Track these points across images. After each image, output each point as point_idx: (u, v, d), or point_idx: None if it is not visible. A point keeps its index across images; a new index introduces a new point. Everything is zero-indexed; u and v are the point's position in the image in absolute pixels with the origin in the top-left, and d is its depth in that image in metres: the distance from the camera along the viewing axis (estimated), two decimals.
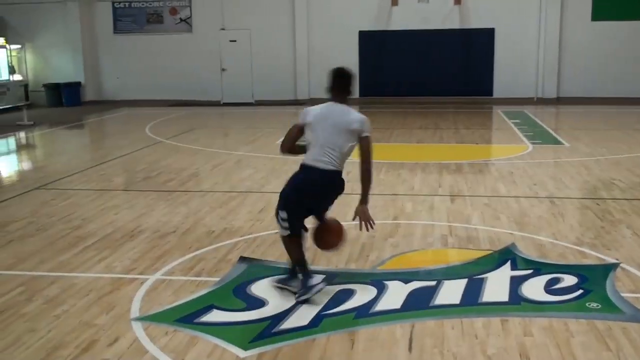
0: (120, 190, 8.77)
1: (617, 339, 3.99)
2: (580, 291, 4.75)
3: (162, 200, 7.90)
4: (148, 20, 21.62)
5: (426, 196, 7.88)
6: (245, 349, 3.94)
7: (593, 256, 5.57)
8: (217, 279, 5.12)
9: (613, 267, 5.24)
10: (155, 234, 6.41)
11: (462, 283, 4.93)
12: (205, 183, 8.95)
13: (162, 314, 4.47)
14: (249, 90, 21.24)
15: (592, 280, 4.93)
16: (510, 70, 20.00)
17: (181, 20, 21.46)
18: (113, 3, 21.62)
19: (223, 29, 21.16)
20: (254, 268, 5.37)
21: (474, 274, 5.13)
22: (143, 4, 21.55)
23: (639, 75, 19.51)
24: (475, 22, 20.05)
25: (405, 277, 5.08)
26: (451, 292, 4.77)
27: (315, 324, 4.27)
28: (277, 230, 6.43)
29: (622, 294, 4.66)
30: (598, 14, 19.56)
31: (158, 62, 21.49)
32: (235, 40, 21.18)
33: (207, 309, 4.52)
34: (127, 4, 21.60)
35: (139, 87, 21.59)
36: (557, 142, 12.10)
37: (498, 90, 20.16)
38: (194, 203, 7.70)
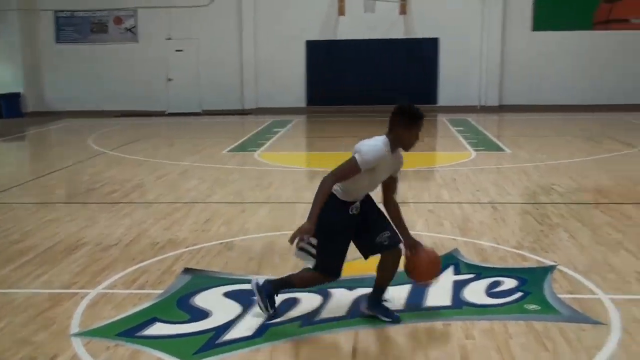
0: (62, 202, 8.58)
1: (554, 339, 4.09)
2: (520, 294, 4.85)
3: (105, 212, 7.77)
4: (92, 29, 21.29)
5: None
6: None
7: (532, 259, 5.71)
8: (161, 291, 5.05)
9: (551, 269, 5.38)
10: (97, 247, 6.29)
11: (405, 288, 4.98)
12: (149, 194, 8.84)
13: (103, 328, 4.38)
14: (196, 99, 21.10)
15: (531, 283, 5.05)
16: (454, 79, 20.39)
17: (126, 29, 21.19)
18: (55, 12, 21.21)
19: (169, 39, 20.99)
20: (199, 279, 5.32)
21: None
22: (87, 14, 21.21)
23: (577, 84, 20.13)
24: (420, 32, 20.39)
25: (350, 284, 5.11)
26: (395, 297, 4.80)
27: (260, 333, 4.25)
28: (221, 241, 6.43)
29: (559, 295, 4.79)
30: (539, 24, 20.14)
31: (102, 72, 21.17)
32: (181, 50, 21.03)
33: (150, 322, 4.45)
34: (70, 13, 21.23)
35: (82, 97, 21.22)
36: (499, 149, 12.37)
37: (442, 99, 20.52)
38: (137, 214, 7.60)
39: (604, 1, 19.88)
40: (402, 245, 4.44)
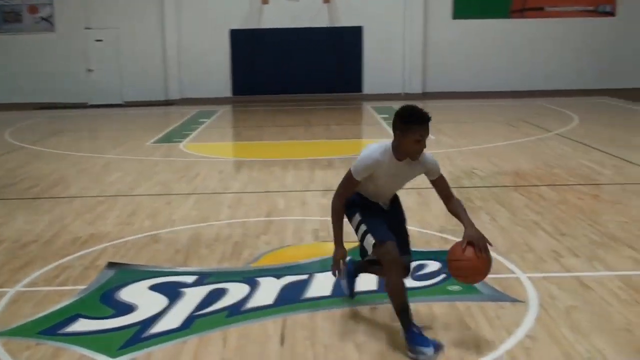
0: None
1: (475, 318, 4.23)
2: (443, 275, 4.99)
3: (24, 208, 7.52)
4: (5, 19, 20.43)
5: (298, 192, 7.98)
6: (114, 356, 3.83)
7: (455, 242, 5.85)
8: (84, 287, 4.94)
9: None
10: (15, 244, 6.08)
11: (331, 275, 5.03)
12: (71, 188, 8.59)
13: (23, 327, 4.25)
14: (118, 91, 20.58)
15: None
16: (378, 67, 20.63)
17: (42, 19, 20.43)
18: None
19: (88, 28, 20.37)
20: (123, 273, 5.22)
21: None
22: None
23: (498, 70, 20.73)
24: (344, 21, 20.52)
25: (278, 272, 5.13)
26: (323, 284, 4.86)
27: (187, 325, 4.22)
28: (147, 233, 6.33)
29: None
30: (459, 12, 20.61)
31: (18, 64, 20.34)
32: (101, 40, 20.45)
33: (73, 318, 4.35)
34: None
35: None
36: None
37: (367, 87, 20.75)
38: (59, 210, 7.38)
39: None
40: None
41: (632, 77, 20.81)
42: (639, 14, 20.65)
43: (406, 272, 4.14)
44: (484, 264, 3.88)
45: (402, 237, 4.16)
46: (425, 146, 3.88)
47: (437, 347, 3.79)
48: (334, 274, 4.12)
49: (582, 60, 20.80)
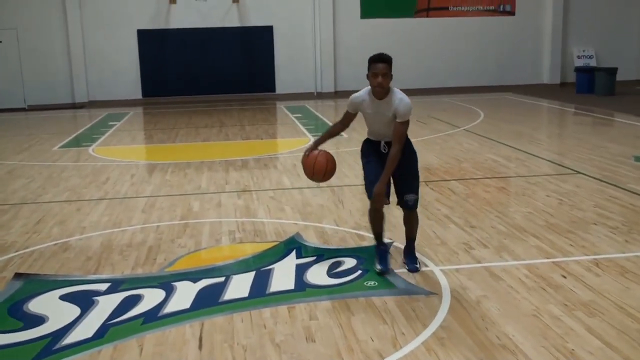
0: None
1: (392, 312, 4.32)
2: (359, 272, 5.07)
3: None
4: None
5: (213, 194, 7.90)
6: None
7: (370, 238, 5.94)
8: None
9: (387, 246, 5.65)
10: None
11: (250, 276, 5.03)
12: None
13: None
14: (20, 94, 19.72)
15: (369, 261, 5.28)
16: (291, 67, 20.69)
17: None
18: None
19: None
20: (31, 284, 5.02)
21: (261, 266, 5.26)
22: None
23: (405, 68, 21.13)
24: (254, 20, 20.45)
25: (194, 276, 5.07)
26: (239, 286, 4.85)
27: (101, 334, 4.11)
28: (55, 242, 6.12)
29: (396, 270, 5.06)
30: (366, 12, 20.92)
31: None
32: (0, 41, 19.52)
33: None
34: None
35: None
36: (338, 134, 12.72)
37: (280, 87, 20.77)
38: None
39: None
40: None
41: (531, 74, 21.79)
42: (537, 13, 21.61)
43: (406, 206, 5.15)
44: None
45: (413, 191, 5.09)
46: (384, 83, 4.82)
47: (385, 269, 5.00)
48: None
49: (484, 58, 21.55)
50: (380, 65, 4.83)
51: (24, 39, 19.56)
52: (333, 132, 5.47)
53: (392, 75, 4.89)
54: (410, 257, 5.19)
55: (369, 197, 5.04)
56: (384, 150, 5.04)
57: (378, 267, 5.03)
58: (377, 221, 5.12)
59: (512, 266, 5.14)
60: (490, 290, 4.67)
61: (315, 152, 5.31)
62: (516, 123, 13.36)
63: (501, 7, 21.48)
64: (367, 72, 4.90)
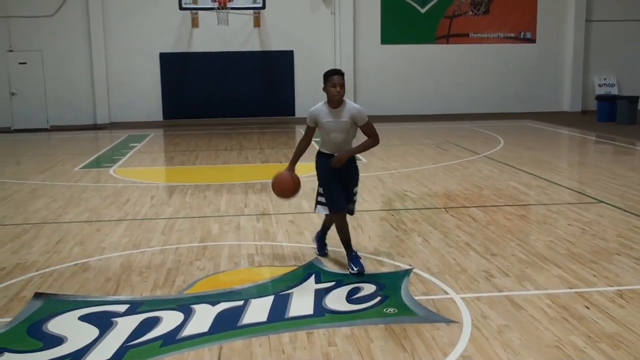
0: None
1: (411, 340, 4.27)
2: (379, 298, 5.02)
3: None
4: None
5: (232, 217, 7.91)
6: None
7: (389, 264, 5.93)
8: (9, 319, 4.73)
9: (407, 273, 5.62)
10: None
11: (268, 300, 5.01)
12: None
13: None
14: (43, 115, 19.99)
15: (389, 287, 5.25)
16: (311, 91, 20.75)
17: None
18: None
19: (11, 51, 19.77)
20: (51, 304, 5.04)
21: (280, 290, 5.24)
22: None
23: (424, 94, 21.24)
24: (275, 45, 20.64)
25: (213, 299, 5.06)
26: (258, 310, 4.82)
27: (119, 356, 4.10)
28: (75, 262, 6.14)
29: (415, 297, 5.01)
30: (386, 38, 21.05)
31: None
32: (25, 63, 19.86)
33: None
34: None
35: None
36: (356, 158, 12.72)
37: (300, 111, 20.84)
38: None
39: (444, 16, 21.15)
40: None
41: (552, 101, 21.73)
42: (557, 41, 21.61)
43: (349, 213, 5.79)
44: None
45: (348, 189, 5.70)
46: (342, 92, 5.47)
47: (360, 270, 5.55)
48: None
49: (504, 84, 21.56)
50: (336, 77, 5.53)
51: (49, 61, 19.88)
52: (303, 149, 5.85)
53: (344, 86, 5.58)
54: (354, 260, 5.65)
55: (335, 211, 5.65)
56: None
57: (355, 268, 5.56)
58: (345, 228, 5.73)
59: (534, 295, 5.07)
60: (511, 319, 4.60)
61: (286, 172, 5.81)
62: (537, 150, 13.28)
63: (522, 34, 21.51)
64: (323, 86, 5.61)
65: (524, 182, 9.84)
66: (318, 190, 5.76)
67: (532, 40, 21.56)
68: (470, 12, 21.03)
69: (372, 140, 5.75)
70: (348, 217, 5.78)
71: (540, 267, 5.77)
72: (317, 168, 5.78)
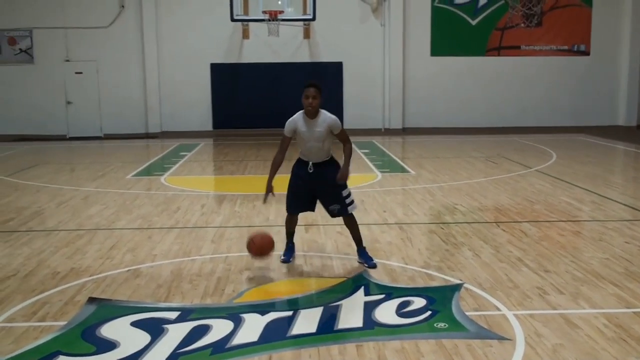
0: None
1: (463, 356, 4.20)
2: (429, 312, 4.96)
3: (1, 241, 7.37)
4: None
5: (281, 227, 7.88)
6: None
7: (439, 278, 5.86)
8: (64, 322, 4.83)
9: (458, 287, 5.53)
10: None
11: (318, 311, 4.99)
12: (49, 221, 8.45)
13: None
14: (97, 123, 20.47)
15: (440, 301, 5.18)
16: (359, 102, 20.80)
17: (21, 50, 20.34)
18: None
19: (68, 61, 20.32)
20: (104, 309, 5.12)
21: (329, 301, 5.22)
22: None
23: (473, 107, 21.01)
24: (324, 56, 20.71)
25: (262, 308, 5.07)
26: (308, 321, 4.81)
27: None
28: (128, 268, 6.24)
29: (467, 313, 4.93)
30: (436, 50, 20.91)
31: None
32: (81, 72, 20.39)
33: (53, 355, 4.24)
34: None
35: None
36: (404, 171, 12.68)
37: (348, 122, 20.82)
38: (37, 243, 7.25)
39: (496, 29, 20.92)
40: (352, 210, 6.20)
41: (606, 115, 21.25)
42: (613, 53, 21.14)
43: (332, 215, 6.28)
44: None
45: (337, 202, 6.14)
46: (314, 103, 5.89)
47: (286, 259, 6.27)
48: (264, 202, 6.21)
49: (557, 98, 21.17)
50: (310, 89, 5.91)
51: (103, 71, 20.35)
52: (278, 163, 6.16)
53: (321, 98, 5.96)
54: (364, 256, 6.21)
55: (287, 211, 6.33)
56: (310, 170, 6.08)
57: (283, 257, 6.29)
58: (293, 224, 6.40)
59: (590, 314, 4.93)
60: (566, 338, 4.48)
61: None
62: (590, 165, 12.99)
63: (575, 47, 21.11)
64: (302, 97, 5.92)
65: (577, 197, 9.62)
66: (346, 193, 6.16)
67: (586, 53, 21.14)
68: (523, 24, 20.75)
69: (349, 146, 6.15)
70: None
71: (596, 285, 5.62)
72: (291, 172, 6.26)
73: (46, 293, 5.53)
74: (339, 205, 6.13)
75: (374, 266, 6.10)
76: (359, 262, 6.25)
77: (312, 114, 5.99)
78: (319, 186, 6.14)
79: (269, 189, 6.12)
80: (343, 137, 6.13)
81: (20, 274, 6.10)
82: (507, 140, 17.93)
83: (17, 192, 10.53)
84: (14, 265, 6.39)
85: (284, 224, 6.55)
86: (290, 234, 6.46)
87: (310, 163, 6.11)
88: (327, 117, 6.04)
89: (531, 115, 21.09)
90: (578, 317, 4.87)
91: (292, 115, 6.19)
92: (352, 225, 6.28)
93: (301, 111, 6.05)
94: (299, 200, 6.24)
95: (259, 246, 5.88)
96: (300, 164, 6.19)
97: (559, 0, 20.79)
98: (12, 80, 20.22)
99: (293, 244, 6.50)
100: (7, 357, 4.24)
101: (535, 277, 5.85)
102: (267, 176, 6.16)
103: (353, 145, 6.35)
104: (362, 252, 6.29)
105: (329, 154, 6.20)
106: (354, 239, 6.34)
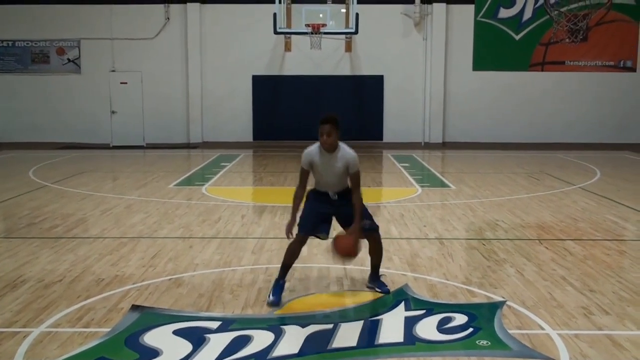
0: (1, 237, 8.27)
1: None
2: (471, 329, 4.90)
3: (47, 247, 7.53)
4: (33, 60, 20.87)
5: (321, 240, 7.91)
6: None
7: (481, 295, 5.79)
8: (108, 329, 4.91)
9: (500, 305, 5.46)
10: (39, 284, 6.07)
11: (358, 325, 4.98)
12: (93, 229, 8.61)
13: None
14: (140, 133, 20.84)
15: (481, 319, 5.11)
16: (399, 116, 20.77)
17: (69, 60, 20.85)
18: None
19: (113, 71, 20.75)
20: (147, 317, 5.18)
21: (369, 315, 5.20)
22: (28, 43, 20.81)
23: (516, 122, 20.79)
24: (366, 70, 20.75)
25: (303, 321, 5.07)
26: (348, 334, 4.80)
27: None
28: (170, 277, 6.31)
29: (509, 331, 4.86)
30: (478, 64, 20.78)
31: (44, 103, 20.77)
32: (126, 83, 20.80)
33: None
34: (10, 42, 20.78)
35: (23, 129, 20.74)
36: (444, 185, 12.59)
37: (388, 135, 20.85)
38: (81, 250, 7.39)
39: (539, 44, 20.69)
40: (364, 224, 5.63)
41: None
42: None
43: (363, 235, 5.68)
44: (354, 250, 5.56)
45: (345, 216, 5.66)
46: (329, 141, 5.50)
47: (275, 300, 5.49)
48: (287, 236, 5.68)
49: (601, 113, 20.82)
50: (326, 126, 5.52)
51: (147, 82, 20.73)
52: (300, 197, 5.74)
53: (338, 132, 5.56)
54: (378, 282, 5.86)
55: (300, 232, 5.66)
56: (334, 197, 5.69)
57: (270, 298, 5.52)
58: (294, 255, 5.71)
59: (637, 336, 4.81)
60: None
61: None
62: (636, 183, 12.72)
63: (621, 62, 20.76)
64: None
65: (622, 215, 9.42)
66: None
67: (632, 69, 20.76)
68: (567, 40, 20.44)
69: (359, 195, 5.58)
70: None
71: None
72: (308, 197, 5.79)
73: (91, 299, 5.62)
74: (370, 220, 5.74)
75: (387, 292, 5.76)
76: (368, 287, 5.90)
77: (330, 150, 5.58)
78: (343, 209, 5.67)
79: (294, 221, 5.67)
80: (355, 180, 5.60)
81: (66, 280, 6.22)
82: (550, 156, 17.68)
83: (64, 200, 10.76)
84: (59, 271, 6.51)
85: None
86: (286, 267, 5.74)
87: (332, 192, 5.69)
88: (347, 153, 5.60)
89: (574, 131, 20.78)
90: (625, 338, 4.76)
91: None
92: (378, 249, 5.85)
93: (317, 144, 5.64)
94: (317, 218, 5.67)
95: (345, 247, 5.54)
96: (319, 193, 5.76)
97: (606, 15, 20.46)
98: (59, 90, 20.75)
99: (285, 281, 5.73)
100: None
101: (580, 296, 5.74)
102: (308, 188, 6.07)
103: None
104: (376, 278, 5.91)
105: (346, 184, 5.77)
106: (374, 265, 5.90)
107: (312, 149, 5.65)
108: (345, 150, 5.62)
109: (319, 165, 5.61)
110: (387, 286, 5.82)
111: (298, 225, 5.66)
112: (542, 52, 20.74)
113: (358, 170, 5.60)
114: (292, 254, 5.70)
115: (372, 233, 5.75)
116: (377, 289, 5.78)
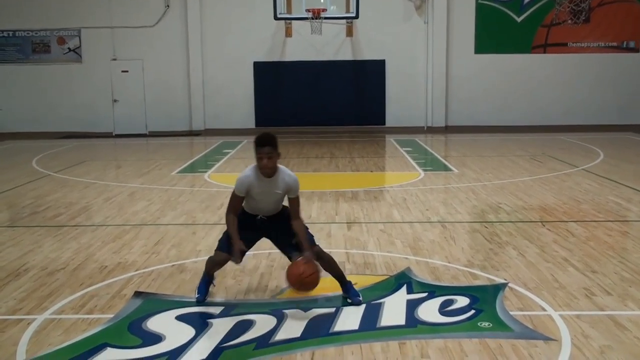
0: (4, 226, 8.30)
1: (507, 356, 4.15)
2: (473, 311, 4.91)
3: (51, 236, 7.56)
4: (34, 50, 20.82)
5: (323, 224, 7.95)
6: None
7: (483, 277, 5.80)
8: (111, 315, 4.94)
9: (502, 287, 5.47)
10: (43, 272, 6.11)
11: (360, 309, 4.99)
12: (96, 217, 8.63)
13: (52, 355, 4.25)
14: (142, 121, 20.83)
15: (483, 301, 5.12)
16: (401, 100, 20.69)
17: (70, 50, 20.80)
18: None
19: (114, 59, 20.71)
20: (150, 303, 5.21)
21: (371, 299, 5.21)
22: (28, 33, 20.75)
23: (518, 105, 20.70)
24: (367, 54, 20.66)
25: (305, 305, 5.09)
26: (350, 318, 4.82)
27: (214, 357, 4.19)
28: (173, 263, 6.33)
29: (511, 312, 4.87)
30: (480, 47, 20.66)
31: (46, 93, 20.73)
32: (127, 71, 20.75)
33: (100, 347, 4.34)
34: (10, 33, 20.73)
35: (25, 118, 20.71)
36: (447, 169, 12.57)
37: (390, 120, 20.79)
38: (85, 238, 7.42)
39: (542, 25, 20.57)
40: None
41: None
42: None
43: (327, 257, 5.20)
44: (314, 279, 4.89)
45: (284, 240, 5.22)
46: (270, 164, 4.95)
47: (202, 299, 5.14)
48: (236, 262, 5.10)
49: (603, 95, 20.70)
50: (265, 149, 4.95)
51: (148, 70, 20.68)
52: (235, 223, 5.08)
53: (279, 154, 5.04)
54: (351, 292, 5.16)
55: (221, 250, 5.17)
56: (261, 220, 5.20)
57: (197, 295, 5.20)
58: (216, 267, 5.30)
59: (639, 316, 4.82)
60: (615, 340, 4.39)
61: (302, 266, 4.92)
62: (638, 164, 12.68)
63: (625, 43, 20.62)
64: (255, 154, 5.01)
65: (625, 197, 9.41)
66: None
67: (635, 50, 20.63)
68: (570, 21, 20.32)
69: (301, 222, 5.13)
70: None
71: None
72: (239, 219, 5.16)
73: (94, 286, 5.65)
74: (297, 251, 5.12)
75: (359, 303, 5.06)
76: (344, 297, 5.22)
77: (269, 174, 5.01)
78: (273, 232, 5.27)
79: (239, 246, 4.98)
80: (295, 206, 5.11)
81: (69, 267, 6.25)
82: (553, 138, 17.64)
83: (66, 189, 10.78)
84: (63, 259, 6.54)
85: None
86: (211, 275, 5.35)
87: (260, 215, 5.19)
88: (287, 177, 5.08)
89: (577, 113, 20.68)
90: (627, 318, 4.77)
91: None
92: (330, 262, 5.21)
93: (254, 167, 5.04)
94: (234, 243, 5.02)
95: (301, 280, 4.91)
96: (246, 215, 5.19)
97: None
98: (60, 79, 20.71)
99: (213, 278, 5.37)
100: (56, 348, 4.35)
101: (582, 277, 5.75)
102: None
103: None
104: (346, 289, 5.22)
105: (280, 206, 5.27)
106: (337, 277, 5.24)
107: (249, 174, 5.02)
108: (286, 174, 5.10)
109: (257, 192, 5.03)
110: (359, 296, 5.11)
111: (219, 244, 5.23)
112: (544, 34, 20.61)
113: (298, 195, 5.14)
114: (215, 263, 5.25)
115: (317, 254, 5.11)
116: (349, 300, 5.11)
